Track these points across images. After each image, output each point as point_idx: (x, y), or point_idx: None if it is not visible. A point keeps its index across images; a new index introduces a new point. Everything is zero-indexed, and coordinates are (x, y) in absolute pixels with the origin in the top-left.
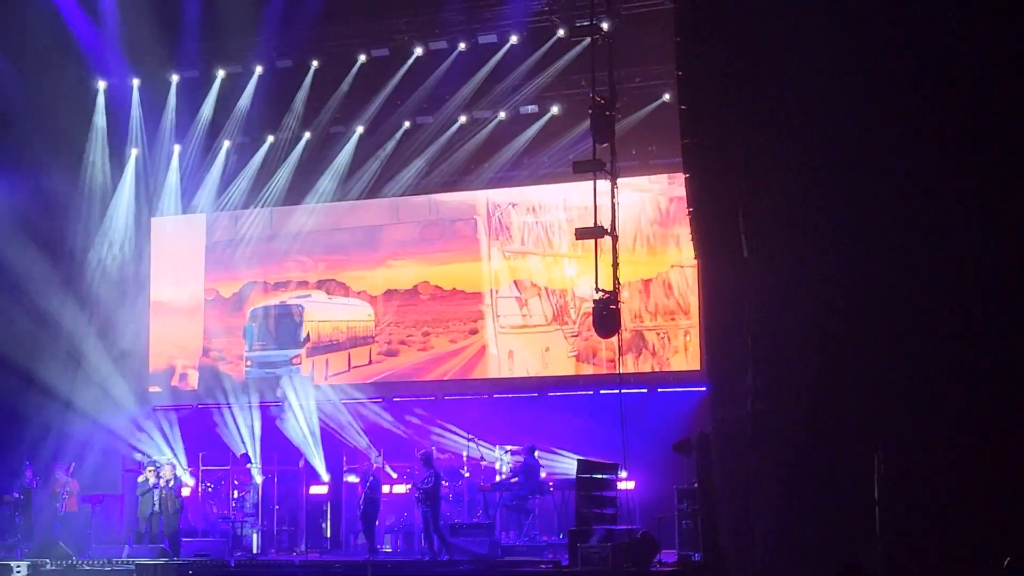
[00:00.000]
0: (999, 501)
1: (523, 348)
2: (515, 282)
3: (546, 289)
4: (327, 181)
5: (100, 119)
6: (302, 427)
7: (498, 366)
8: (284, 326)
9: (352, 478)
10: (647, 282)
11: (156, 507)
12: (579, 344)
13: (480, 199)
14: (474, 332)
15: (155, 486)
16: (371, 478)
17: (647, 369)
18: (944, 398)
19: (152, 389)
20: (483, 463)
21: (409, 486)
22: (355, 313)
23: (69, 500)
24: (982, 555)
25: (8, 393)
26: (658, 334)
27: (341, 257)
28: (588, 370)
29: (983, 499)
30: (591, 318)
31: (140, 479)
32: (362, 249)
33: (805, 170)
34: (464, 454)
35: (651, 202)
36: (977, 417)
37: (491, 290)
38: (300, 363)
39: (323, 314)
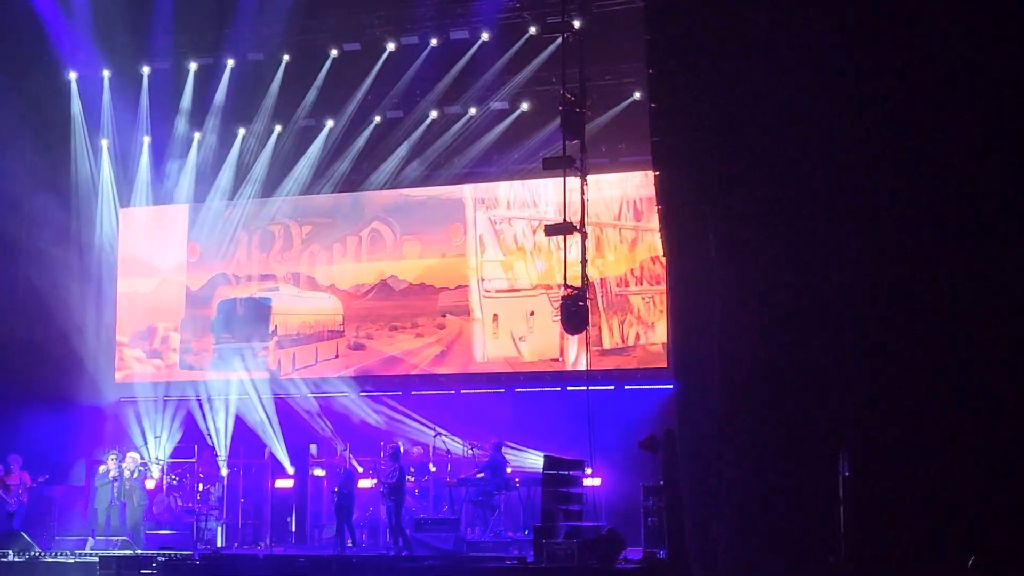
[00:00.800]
0: (962, 501)
1: (508, 312)
2: (500, 244)
3: (531, 253)
4: (298, 175)
5: (76, 109)
6: (264, 420)
7: (483, 330)
8: (252, 319)
9: (318, 472)
10: (633, 242)
11: (116, 498)
12: None
13: (455, 193)
14: (441, 327)
15: (116, 478)
16: (343, 472)
17: (632, 335)
18: (908, 399)
19: (118, 379)
20: (449, 457)
21: (375, 481)
22: (323, 307)
23: (18, 492)
24: (946, 555)
25: None
26: (643, 298)
27: (310, 251)
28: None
29: (947, 499)
30: (559, 314)
31: (101, 469)
32: (331, 243)
33: (774, 170)
34: (431, 448)
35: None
36: (940, 418)
37: (475, 251)
38: (268, 356)
39: (291, 308)
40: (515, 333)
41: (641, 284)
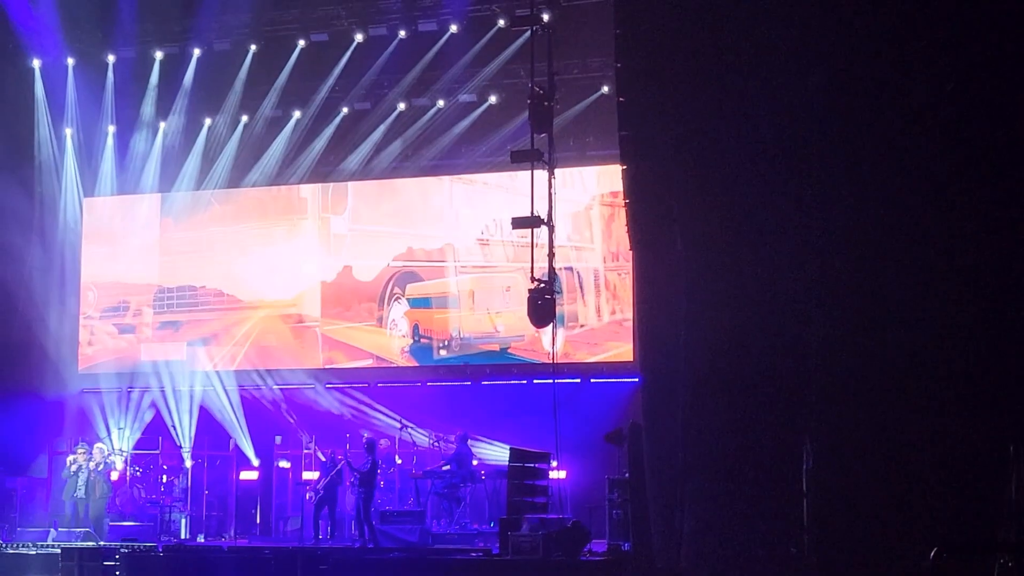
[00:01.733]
0: (925, 493)
1: (483, 288)
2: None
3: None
4: (265, 165)
5: (40, 97)
6: (229, 411)
7: (458, 303)
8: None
9: (284, 463)
10: (609, 220)
11: (82, 491)
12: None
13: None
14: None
15: (80, 469)
16: (339, 464)
17: (609, 310)
18: (871, 391)
19: (82, 370)
20: (415, 449)
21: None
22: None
23: None
24: (909, 546)
25: None
26: (619, 274)
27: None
28: None
29: (910, 491)
30: (526, 305)
31: (68, 459)
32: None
33: (740, 165)
34: (397, 440)
35: None
36: (904, 410)
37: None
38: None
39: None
40: (492, 309)
41: (618, 260)
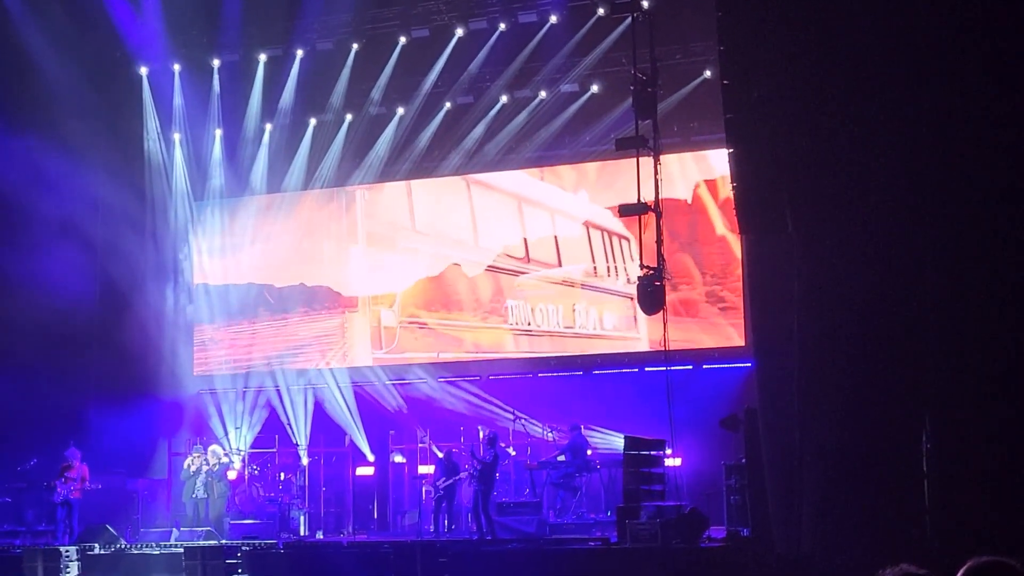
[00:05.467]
0: None
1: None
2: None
3: None
4: (371, 163)
5: (148, 103)
6: (343, 408)
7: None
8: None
9: (399, 458)
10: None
11: (201, 492)
12: None
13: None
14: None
15: (199, 471)
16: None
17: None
18: (991, 371)
19: (197, 372)
20: (529, 440)
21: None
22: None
23: (74, 485)
24: None
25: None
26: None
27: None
28: None
29: None
30: (636, 292)
31: (185, 463)
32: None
33: (850, 143)
34: (510, 432)
35: None
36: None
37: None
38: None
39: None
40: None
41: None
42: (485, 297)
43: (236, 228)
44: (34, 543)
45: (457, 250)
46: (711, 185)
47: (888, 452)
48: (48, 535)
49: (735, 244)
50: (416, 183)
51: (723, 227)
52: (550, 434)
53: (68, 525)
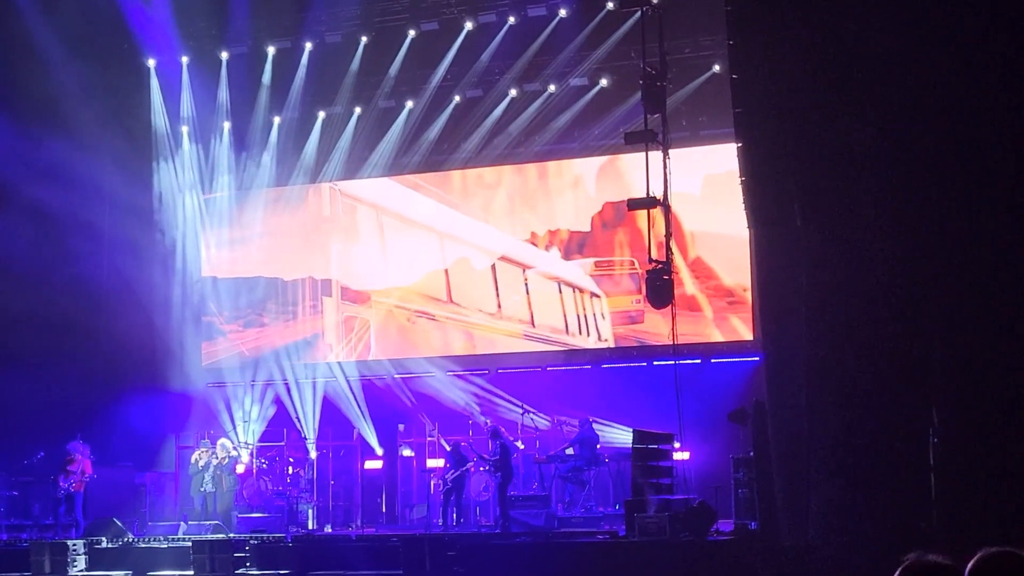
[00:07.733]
0: None
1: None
2: None
3: None
4: (380, 156)
5: (156, 96)
6: (352, 401)
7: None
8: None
9: (407, 452)
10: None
11: (210, 486)
12: None
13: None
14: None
15: (207, 465)
16: (468, 460)
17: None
18: (999, 364)
19: (206, 364)
20: (537, 433)
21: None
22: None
23: (76, 479)
24: None
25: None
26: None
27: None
28: None
29: None
30: (644, 286)
31: (193, 458)
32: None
33: (861, 141)
34: (519, 425)
35: None
36: None
37: None
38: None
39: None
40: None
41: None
42: (493, 291)
43: (244, 221)
44: (41, 536)
45: (466, 244)
46: (720, 179)
47: (895, 444)
48: (55, 529)
49: (744, 238)
50: (422, 177)
51: (732, 221)
52: (564, 427)
53: (70, 519)
